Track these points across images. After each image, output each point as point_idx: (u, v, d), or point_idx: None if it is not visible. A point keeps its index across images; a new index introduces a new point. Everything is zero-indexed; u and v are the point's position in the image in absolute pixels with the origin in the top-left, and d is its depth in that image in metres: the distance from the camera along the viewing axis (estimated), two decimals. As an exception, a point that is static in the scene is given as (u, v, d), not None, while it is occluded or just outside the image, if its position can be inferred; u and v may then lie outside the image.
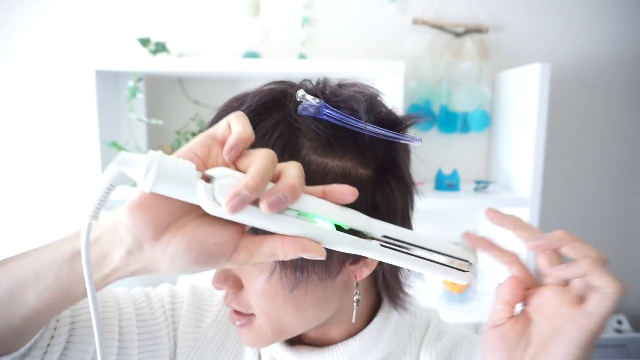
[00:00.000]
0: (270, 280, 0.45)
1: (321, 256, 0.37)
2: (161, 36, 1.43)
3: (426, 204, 1.32)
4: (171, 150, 1.42)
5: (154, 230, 0.35)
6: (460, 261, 0.43)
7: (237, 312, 0.50)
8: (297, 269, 0.44)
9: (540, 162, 1.31)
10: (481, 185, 1.42)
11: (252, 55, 1.45)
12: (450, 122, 1.52)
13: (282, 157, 0.42)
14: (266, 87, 0.47)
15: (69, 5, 1.44)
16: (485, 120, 1.51)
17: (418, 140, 0.45)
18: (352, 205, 0.41)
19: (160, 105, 1.49)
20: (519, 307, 0.42)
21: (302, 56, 1.48)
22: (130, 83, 1.25)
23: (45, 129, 1.47)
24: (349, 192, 0.38)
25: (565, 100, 1.58)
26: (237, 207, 0.33)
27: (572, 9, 1.55)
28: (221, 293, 0.62)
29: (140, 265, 0.37)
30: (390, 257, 0.40)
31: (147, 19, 1.46)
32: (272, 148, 0.40)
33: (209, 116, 1.56)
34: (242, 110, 0.42)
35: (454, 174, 1.42)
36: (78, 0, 1.44)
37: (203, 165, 0.36)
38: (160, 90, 1.49)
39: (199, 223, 0.36)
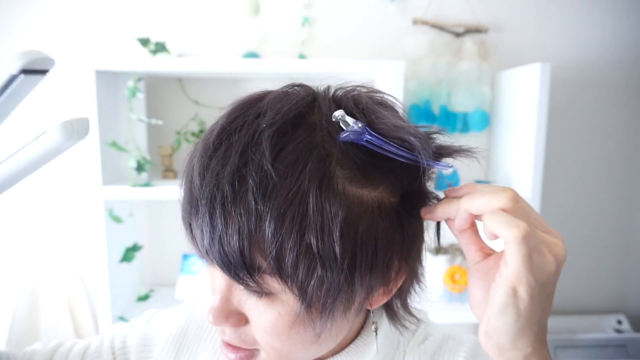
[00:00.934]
0: (292, 324, 0.40)
1: None
2: (161, 36, 1.43)
3: (426, 204, 1.32)
4: (171, 150, 1.42)
5: None
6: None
7: (233, 346, 0.44)
8: (325, 312, 0.39)
9: (540, 162, 1.31)
10: (481, 185, 1.42)
11: (252, 55, 1.45)
12: (450, 122, 1.52)
13: (320, 189, 0.36)
14: (286, 96, 0.40)
15: (69, 5, 1.44)
16: (485, 121, 1.51)
17: (450, 167, 0.42)
18: (388, 237, 0.39)
19: (160, 105, 1.50)
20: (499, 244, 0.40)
21: (302, 56, 1.48)
22: (130, 83, 1.25)
23: (45, 129, 1.47)
24: None
25: (565, 100, 1.58)
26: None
27: (572, 9, 1.55)
28: (176, 317, 0.60)
29: None
30: None
31: (147, 19, 1.46)
32: (308, 182, 0.36)
33: (209, 116, 1.56)
34: (263, 127, 0.37)
35: (454, 174, 1.42)
36: (78, 0, 1.44)
37: None
38: (160, 90, 1.49)
39: None
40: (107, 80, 1.29)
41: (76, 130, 0.36)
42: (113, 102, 1.34)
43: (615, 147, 1.64)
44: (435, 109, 1.52)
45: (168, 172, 1.43)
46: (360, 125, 0.37)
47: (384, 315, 0.52)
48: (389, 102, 0.43)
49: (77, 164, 1.50)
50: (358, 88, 0.43)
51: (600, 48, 1.58)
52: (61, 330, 1.45)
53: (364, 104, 0.40)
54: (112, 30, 1.46)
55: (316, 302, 0.38)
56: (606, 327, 1.65)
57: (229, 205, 0.36)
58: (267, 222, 0.35)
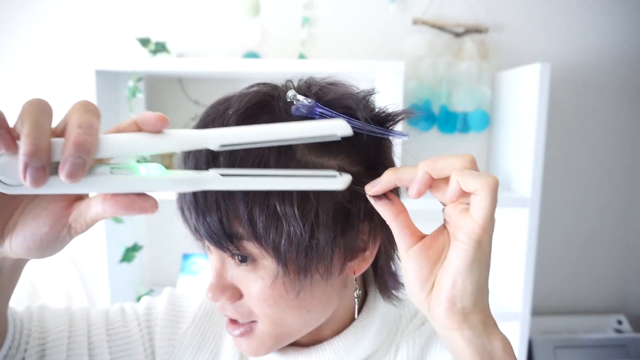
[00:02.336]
0: (274, 286, 0.45)
1: (151, 211, 0.35)
2: (161, 36, 1.43)
3: (426, 204, 1.32)
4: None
5: None
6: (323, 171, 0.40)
7: (234, 322, 0.49)
8: (301, 272, 0.44)
9: (540, 162, 1.31)
10: (481, 185, 1.42)
11: (252, 55, 1.45)
12: (450, 122, 1.52)
13: (279, 159, 0.41)
14: (251, 90, 0.46)
15: (69, 6, 1.44)
16: (485, 121, 1.51)
17: (405, 135, 0.45)
18: (349, 208, 0.42)
19: (160, 105, 1.49)
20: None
21: (302, 56, 1.48)
22: (130, 83, 1.25)
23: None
24: (156, 118, 0.34)
25: (565, 100, 1.58)
26: (37, 177, 0.31)
27: (572, 9, 1.55)
28: (199, 298, 0.62)
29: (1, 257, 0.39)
30: (237, 184, 0.37)
31: (147, 19, 1.46)
32: (268, 152, 0.41)
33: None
34: (230, 114, 0.43)
35: (454, 174, 1.42)
36: (78, 0, 1.44)
37: None
38: (160, 90, 1.50)
39: (24, 216, 0.37)
40: (107, 80, 1.29)
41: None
42: (113, 102, 1.34)
43: (615, 147, 1.64)
44: (435, 109, 1.52)
45: (168, 172, 1.43)
46: (310, 100, 0.43)
47: (379, 295, 0.54)
48: (341, 82, 0.48)
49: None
50: (315, 77, 0.48)
51: (600, 48, 1.58)
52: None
53: (316, 85, 0.46)
54: (112, 30, 1.46)
55: (291, 262, 0.43)
56: (606, 327, 1.65)
57: None
58: (237, 192, 0.41)
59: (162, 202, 1.50)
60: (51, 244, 0.37)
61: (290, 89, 0.46)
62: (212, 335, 0.60)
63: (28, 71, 1.45)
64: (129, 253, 1.33)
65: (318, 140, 0.37)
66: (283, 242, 0.42)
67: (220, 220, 0.42)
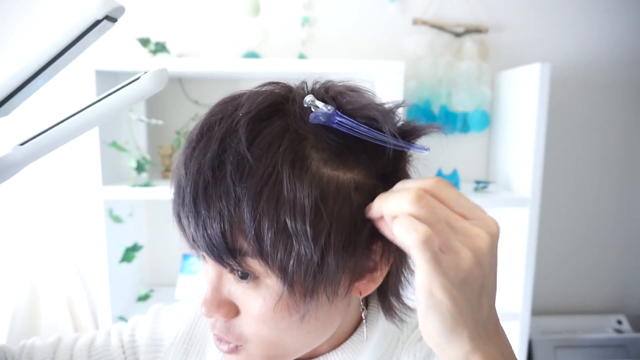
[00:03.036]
0: (275, 308, 0.41)
1: None
2: (161, 36, 1.43)
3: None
4: (171, 150, 1.42)
5: None
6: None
7: (224, 340, 0.45)
8: (307, 294, 0.40)
9: (540, 162, 1.31)
10: (481, 186, 1.42)
11: (252, 55, 1.45)
12: (450, 122, 1.52)
13: (293, 171, 0.38)
14: (264, 89, 0.43)
15: (69, 6, 1.44)
16: (485, 121, 1.51)
17: (426, 150, 0.42)
18: (362, 227, 0.40)
19: (160, 105, 1.49)
20: None
21: (302, 56, 1.48)
22: (130, 83, 1.24)
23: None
24: None
25: (565, 100, 1.58)
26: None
27: (572, 9, 1.55)
28: (182, 313, 0.61)
29: None
30: (37, 148, 0.36)
31: (147, 19, 1.46)
32: (281, 161, 0.38)
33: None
34: (240, 116, 0.40)
35: (454, 174, 1.42)
36: (78, 0, 1.44)
37: None
38: (160, 90, 1.49)
39: None
40: (107, 80, 1.29)
41: (160, 79, 0.40)
42: (113, 102, 1.34)
43: (615, 147, 1.64)
44: (435, 109, 1.52)
45: (168, 172, 1.43)
46: (329, 108, 0.39)
47: (381, 309, 0.52)
48: (362, 88, 0.44)
49: (77, 164, 1.50)
50: (333, 81, 0.45)
51: (599, 48, 1.58)
52: (61, 330, 1.45)
53: (334, 90, 0.43)
54: (112, 30, 1.46)
55: (298, 284, 0.40)
56: (606, 327, 1.65)
57: (210, 190, 0.38)
58: (244, 203, 0.37)
59: (161, 202, 1.51)
60: None
61: (307, 91, 0.43)
62: (196, 349, 0.59)
63: (28, 71, 1.45)
64: (129, 253, 1.33)
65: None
66: (292, 262, 0.38)
67: (223, 234, 0.38)
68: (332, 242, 0.39)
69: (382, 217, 0.39)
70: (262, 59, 1.43)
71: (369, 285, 0.45)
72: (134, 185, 1.27)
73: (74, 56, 0.36)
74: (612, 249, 1.69)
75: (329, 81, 0.45)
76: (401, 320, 0.51)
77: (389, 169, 0.43)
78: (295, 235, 0.38)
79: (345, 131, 0.39)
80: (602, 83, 1.59)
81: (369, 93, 0.44)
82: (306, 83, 0.44)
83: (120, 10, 0.36)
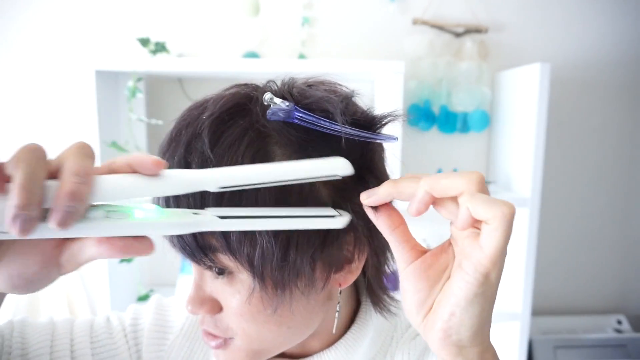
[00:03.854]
0: (250, 301, 0.42)
1: (146, 253, 0.34)
2: (161, 36, 1.43)
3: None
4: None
5: None
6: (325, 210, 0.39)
7: (212, 335, 0.47)
8: (278, 287, 0.41)
9: (540, 162, 1.31)
10: (481, 185, 1.42)
11: (252, 55, 1.45)
12: (450, 122, 1.52)
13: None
14: (228, 92, 0.43)
15: (69, 5, 1.44)
16: (485, 121, 1.51)
17: (394, 139, 0.42)
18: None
19: (160, 105, 1.49)
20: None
21: (302, 56, 1.48)
22: (130, 83, 1.24)
23: (45, 129, 1.47)
24: (152, 163, 0.32)
25: (565, 100, 1.58)
26: (25, 228, 0.29)
27: (572, 9, 1.55)
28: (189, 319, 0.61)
29: None
30: (234, 226, 0.37)
31: (147, 19, 1.46)
32: (242, 158, 0.39)
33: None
34: (204, 119, 0.40)
35: (454, 174, 1.42)
36: (78, 0, 1.44)
37: None
38: (160, 90, 1.49)
39: (10, 254, 0.34)
40: (107, 80, 1.29)
41: (347, 168, 0.39)
42: (113, 102, 1.34)
43: (615, 147, 1.64)
44: (435, 109, 1.52)
45: (168, 172, 1.43)
46: (288, 104, 0.40)
47: (372, 308, 0.52)
48: (324, 80, 0.45)
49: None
50: (296, 77, 0.46)
51: (600, 48, 1.58)
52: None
53: (296, 87, 0.43)
54: (112, 30, 1.46)
55: (268, 277, 0.41)
56: (606, 327, 1.65)
57: None
58: (209, 202, 0.39)
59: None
60: (40, 282, 0.35)
61: (270, 90, 0.43)
62: (201, 346, 0.58)
63: (28, 71, 1.45)
64: (129, 253, 1.32)
65: (320, 179, 0.37)
66: (257, 256, 0.40)
67: (193, 233, 0.40)
68: (294, 236, 0.39)
69: (383, 205, 0.39)
70: (262, 59, 1.43)
71: (348, 277, 0.45)
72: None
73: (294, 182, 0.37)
74: (612, 248, 1.69)
75: (292, 78, 0.45)
76: (390, 312, 0.51)
77: (357, 161, 0.42)
78: (259, 231, 0.39)
79: (306, 126, 0.40)
80: (602, 83, 1.59)
81: (332, 85, 0.45)
82: (274, 81, 0.45)
83: (347, 169, 0.38)
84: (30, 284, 0.35)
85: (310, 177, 0.37)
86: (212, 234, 0.40)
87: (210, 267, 0.43)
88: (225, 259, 0.41)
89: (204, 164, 0.39)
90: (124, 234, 0.34)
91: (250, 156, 0.39)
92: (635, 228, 1.68)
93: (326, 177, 0.37)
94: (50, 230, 0.31)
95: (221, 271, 0.43)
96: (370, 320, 0.52)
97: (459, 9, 1.52)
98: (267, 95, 0.41)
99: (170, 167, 0.40)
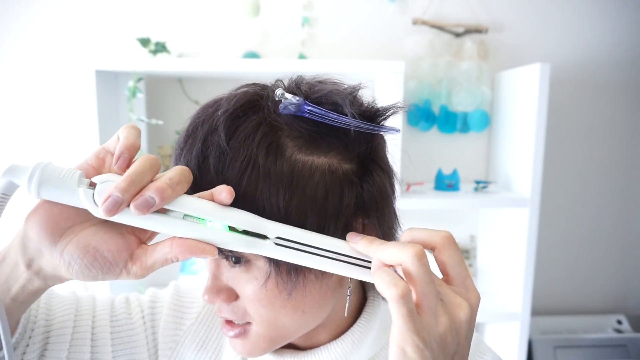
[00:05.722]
0: (266, 286, 0.44)
1: (212, 255, 0.39)
2: (161, 36, 1.43)
3: (426, 204, 1.32)
4: (171, 150, 1.42)
5: (50, 234, 0.39)
6: (362, 261, 0.43)
7: (229, 323, 0.49)
8: (292, 272, 0.44)
9: (540, 162, 1.31)
10: (481, 186, 1.42)
11: (252, 55, 1.45)
12: (450, 122, 1.52)
13: (267, 158, 0.41)
14: (240, 90, 0.46)
15: (69, 5, 1.44)
16: (485, 121, 1.51)
17: (397, 130, 0.45)
18: (342, 201, 0.42)
19: (160, 105, 1.50)
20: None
21: (302, 56, 1.48)
22: (130, 83, 1.25)
23: (45, 129, 1.47)
24: (225, 191, 0.39)
25: (565, 100, 1.58)
26: (111, 208, 0.36)
27: (572, 9, 1.55)
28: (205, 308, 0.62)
29: (42, 277, 0.41)
30: (288, 255, 0.41)
31: (147, 19, 1.46)
32: (257, 150, 0.41)
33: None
34: (219, 115, 0.43)
35: (454, 174, 1.42)
36: (78, 0, 1.44)
37: (97, 174, 0.40)
38: (160, 90, 1.50)
39: (95, 230, 0.40)
40: (107, 80, 1.29)
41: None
42: (113, 102, 1.34)
43: (615, 147, 1.64)
44: (435, 109, 1.52)
45: (168, 172, 1.43)
46: (298, 99, 0.42)
47: (377, 300, 0.54)
48: (331, 79, 0.48)
49: (77, 164, 1.50)
50: (303, 75, 0.49)
51: (599, 48, 1.58)
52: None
53: (304, 83, 0.46)
54: (112, 30, 1.46)
55: (282, 262, 0.43)
56: (606, 327, 1.65)
57: (198, 182, 0.42)
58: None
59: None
60: (105, 264, 0.39)
61: (279, 88, 0.45)
62: (215, 333, 0.60)
63: (28, 71, 1.45)
64: (129, 253, 1.33)
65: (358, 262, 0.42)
66: None
67: None
68: (308, 221, 0.42)
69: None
70: (262, 59, 1.43)
71: None
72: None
73: None
74: (612, 249, 1.69)
75: (300, 76, 0.48)
76: None
77: (363, 152, 0.45)
78: (272, 217, 0.41)
79: (316, 119, 0.42)
80: (602, 83, 1.59)
81: (337, 82, 0.47)
82: (281, 80, 0.47)
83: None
84: (95, 261, 0.39)
85: (350, 254, 0.42)
86: None
87: (227, 257, 0.45)
88: None
89: (220, 156, 0.42)
90: (194, 236, 0.39)
91: (265, 148, 0.41)
92: (634, 228, 1.68)
93: (361, 259, 0.42)
94: (131, 216, 0.38)
95: (238, 260, 0.44)
96: (377, 314, 0.53)
97: (459, 9, 1.52)
98: (279, 91, 0.43)
99: (188, 161, 0.43)
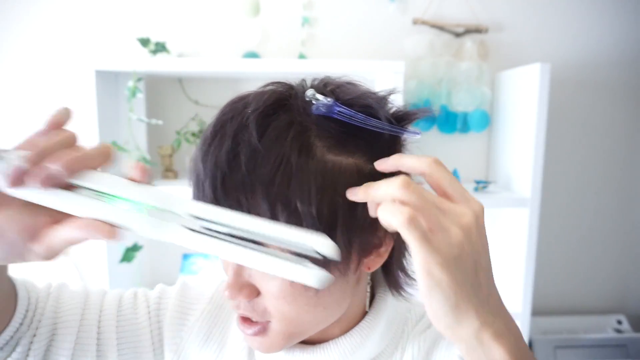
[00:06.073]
0: (293, 284, 0.44)
1: (112, 237, 0.37)
2: (161, 36, 1.43)
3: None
4: (171, 150, 1.42)
5: None
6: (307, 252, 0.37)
7: (247, 320, 0.49)
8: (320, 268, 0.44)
9: (540, 162, 1.31)
10: (481, 185, 1.42)
11: (252, 55, 1.45)
12: (450, 122, 1.52)
13: (300, 157, 0.41)
14: (267, 88, 0.47)
15: (69, 5, 1.44)
16: (485, 120, 1.51)
17: (418, 134, 0.46)
18: (366, 206, 0.42)
19: (160, 105, 1.49)
20: None
21: (302, 56, 1.48)
22: (130, 83, 1.24)
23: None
24: (138, 167, 0.38)
25: (565, 100, 1.58)
26: (14, 179, 0.35)
27: (572, 9, 1.55)
28: (211, 289, 0.62)
29: None
30: (197, 242, 0.36)
31: (147, 19, 1.46)
32: (289, 150, 0.41)
33: (209, 116, 1.57)
34: (249, 112, 0.43)
35: (454, 174, 1.42)
36: (78, 0, 1.44)
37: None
38: (160, 90, 1.49)
39: (14, 212, 0.38)
40: (107, 80, 1.29)
41: (323, 281, 0.37)
42: (113, 102, 1.34)
43: (615, 147, 1.64)
44: (435, 109, 1.52)
45: (168, 172, 1.43)
46: (329, 99, 0.43)
47: (386, 297, 0.54)
48: (357, 82, 0.49)
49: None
50: (331, 76, 0.49)
51: (599, 48, 1.58)
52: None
53: (332, 84, 0.47)
54: (112, 30, 1.46)
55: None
56: (606, 327, 1.65)
57: (228, 180, 0.42)
58: (259, 190, 0.41)
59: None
60: (2, 248, 0.38)
61: (307, 87, 0.46)
62: (219, 328, 0.60)
63: (28, 71, 1.45)
64: (129, 253, 1.33)
65: (294, 249, 0.37)
66: None
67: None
68: (338, 221, 0.42)
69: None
70: (262, 59, 1.43)
71: (376, 260, 0.48)
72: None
73: None
74: (612, 249, 1.69)
75: (327, 77, 0.49)
76: (409, 293, 0.54)
77: (386, 154, 0.45)
78: (305, 217, 0.41)
79: (345, 120, 0.43)
80: (602, 83, 1.59)
81: (364, 85, 0.48)
82: (305, 80, 0.48)
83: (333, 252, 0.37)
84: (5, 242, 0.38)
85: (288, 242, 0.36)
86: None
87: None
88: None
89: (252, 154, 0.41)
90: (98, 216, 0.37)
91: (297, 148, 0.42)
92: (635, 228, 1.68)
93: (304, 250, 0.36)
94: (37, 191, 0.36)
95: None
96: (385, 310, 0.54)
97: (459, 9, 1.52)
98: (310, 92, 0.44)
99: (217, 157, 0.42)
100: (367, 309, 0.53)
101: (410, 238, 0.35)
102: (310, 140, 0.43)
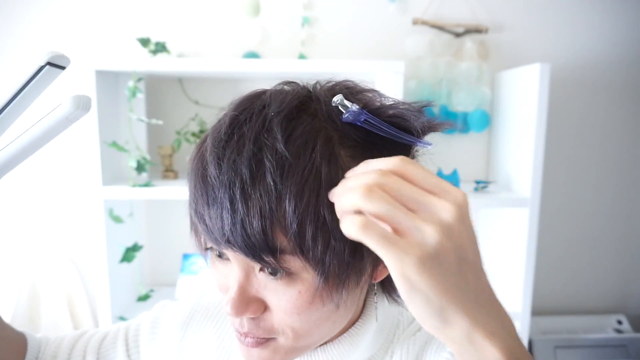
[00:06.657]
0: (311, 299, 0.42)
1: None
2: (161, 36, 1.43)
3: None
4: (171, 150, 1.42)
5: None
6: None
7: (249, 335, 0.46)
8: (340, 285, 0.42)
9: (540, 162, 1.31)
10: (481, 186, 1.42)
11: (252, 55, 1.45)
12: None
13: (329, 166, 0.39)
14: (285, 89, 0.45)
15: (69, 5, 1.44)
16: (485, 121, 1.51)
17: (430, 145, 0.45)
18: None
19: (160, 105, 1.50)
20: None
21: (302, 56, 1.48)
22: (130, 83, 1.25)
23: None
24: None
25: (565, 100, 1.58)
26: None
27: (572, 9, 1.55)
28: (184, 306, 0.63)
29: None
30: None
31: (147, 19, 1.46)
32: (319, 159, 0.39)
33: (209, 116, 1.56)
34: (272, 115, 0.41)
35: (454, 174, 1.42)
36: (78, 0, 1.44)
37: None
38: (160, 90, 1.50)
39: None
40: (107, 80, 1.29)
41: (83, 102, 0.41)
42: (113, 102, 1.34)
43: (615, 147, 1.64)
44: (435, 109, 1.52)
45: (168, 172, 1.43)
46: (357, 107, 0.41)
47: (376, 305, 0.53)
48: (373, 89, 0.47)
49: (77, 164, 1.50)
50: (353, 81, 0.48)
51: (599, 48, 1.58)
52: (61, 330, 1.45)
53: (355, 90, 0.46)
54: (112, 30, 1.46)
55: (332, 275, 0.41)
56: (606, 327, 1.65)
57: (249, 188, 0.38)
58: (287, 200, 0.38)
59: (162, 202, 1.50)
60: None
61: (320, 90, 0.45)
62: (192, 337, 0.62)
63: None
64: (129, 253, 1.33)
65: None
66: (328, 255, 0.40)
67: (264, 231, 0.39)
68: None
69: None
70: (262, 59, 1.43)
71: (384, 271, 0.47)
72: (134, 185, 1.27)
73: (28, 103, 0.41)
74: (612, 249, 1.69)
75: (348, 80, 0.47)
76: (401, 300, 0.51)
77: None
78: (332, 229, 0.39)
79: (370, 129, 0.41)
80: (602, 83, 1.59)
81: (384, 93, 0.46)
82: (318, 82, 0.46)
83: (64, 59, 0.40)
84: None
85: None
86: (284, 231, 0.39)
87: (263, 268, 0.42)
88: (292, 260, 0.40)
89: (278, 161, 0.39)
90: None
91: (327, 157, 0.40)
92: (635, 228, 1.68)
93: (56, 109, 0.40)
94: None
95: (275, 271, 0.41)
96: (373, 318, 0.53)
97: (459, 9, 1.52)
98: (338, 98, 0.41)
99: (235, 161, 0.39)
100: (376, 320, 0.52)
101: (371, 245, 0.33)
102: (335, 149, 0.41)
